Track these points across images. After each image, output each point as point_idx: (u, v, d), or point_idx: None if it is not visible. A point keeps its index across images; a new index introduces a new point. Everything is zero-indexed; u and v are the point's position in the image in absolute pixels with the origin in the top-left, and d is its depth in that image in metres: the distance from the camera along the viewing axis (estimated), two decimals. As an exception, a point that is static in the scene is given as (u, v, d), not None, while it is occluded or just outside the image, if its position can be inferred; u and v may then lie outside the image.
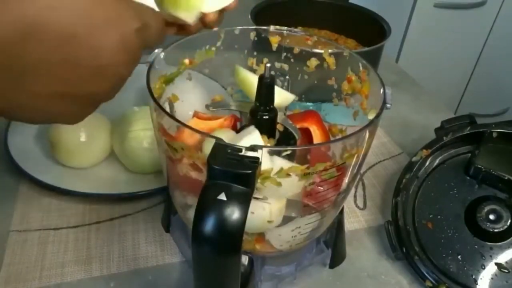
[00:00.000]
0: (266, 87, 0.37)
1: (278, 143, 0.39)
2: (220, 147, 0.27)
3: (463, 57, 1.59)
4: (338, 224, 0.45)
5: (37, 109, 0.26)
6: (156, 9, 0.35)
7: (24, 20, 0.21)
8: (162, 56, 0.38)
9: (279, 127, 0.40)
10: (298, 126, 0.41)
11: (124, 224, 0.50)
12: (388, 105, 0.35)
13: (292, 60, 0.46)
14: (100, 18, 0.24)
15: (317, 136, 0.41)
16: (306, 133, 0.42)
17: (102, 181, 0.53)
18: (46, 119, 0.27)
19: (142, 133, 0.52)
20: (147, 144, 0.52)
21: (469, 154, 0.50)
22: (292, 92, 0.46)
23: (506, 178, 0.46)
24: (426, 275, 0.45)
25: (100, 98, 0.27)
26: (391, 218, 0.49)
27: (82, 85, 0.25)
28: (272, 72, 0.36)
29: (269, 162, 0.30)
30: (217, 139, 0.27)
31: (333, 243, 0.46)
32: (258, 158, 0.26)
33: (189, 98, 0.41)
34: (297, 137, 0.41)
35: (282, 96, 0.41)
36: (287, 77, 0.47)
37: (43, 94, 0.24)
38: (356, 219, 0.54)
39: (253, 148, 0.27)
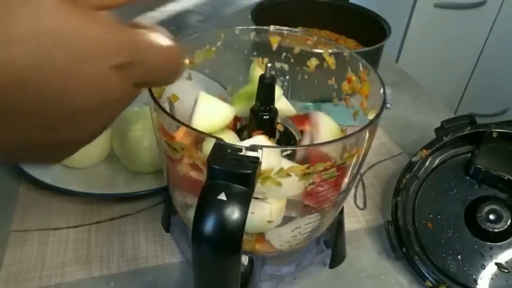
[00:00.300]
0: (266, 87, 0.37)
1: (278, 143, 0.39)
2: (220, 147, 0.27)
3: (463, 57, 1.60)
4: (338, 224, 0.45)
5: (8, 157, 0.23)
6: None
7: None
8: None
9: (279, 127, 0.40)
10: (299, 128, 0.41)
11: (124, 224, 0.50)
12: (388, 105, 0.35)
13: (292, 60, 0.46)
14: (68, 55, 0.19)
15: (315, 135, 0.41)
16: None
17: (102, 181, 0.53)
18: (19, 161, 0.25)
19: (141, 133, 0.52)
20: (147, 143, 0.52)
21: (469, 154, 0.50)
22: (292, 92, 0.46)
23: (506, 178, 0.46)
24: (426, 275, 0.45)
25: (76, 145, 0.24)
26: (391, 218, 0.49)
27: (50, 135, 0.21)
28: (273, 72, 0.36)
29: (276, 162, 0.30)
30: (217, 139, 0.27)
31: (333, 243, 0.46)
32: (258, 158, 0.26)
33: (189, 98, 0.40)
34: (297, 137, 0.41)
35: (283, 107, 0.41)
36: (287, 77, 0.47)
37: (8, 144, 0.21)
38: (356, 219, 0.54)
39: (253, 148, 0.27)
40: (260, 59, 0.44)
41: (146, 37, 0.22)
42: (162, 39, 0.23)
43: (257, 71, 0.41)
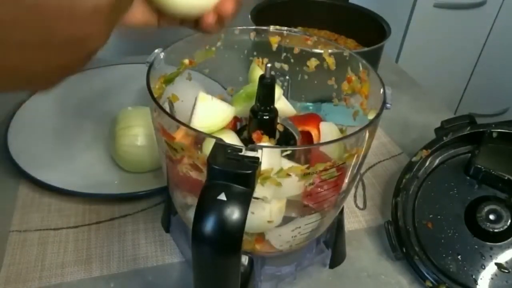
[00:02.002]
0: (266, 87, 0.37)
1: (278, 143, 0.39)
2: (220, 147, 0.27)
3: (463, 57, 1.59)
4: (338, 224, 0.45)
5: (29, 66, 0.24)
6: None
7: None
8: (162, 56, 0.38)
9: (279, 127, 0.40)
10: (299, 129, 0.41)
11: (124, 224, 0.50)
12: (388, 105, 0.35)
13: (292, 60, 0.46)
14: None
15: (317, 139, 0.41)
16: (306, 135, 0.42)
17: (102, 181, 0.53)
18: (42, 76, 0.25)
19: (134, 131, 0.52)
20: (140, 142, 0.52)
21: (469, 154, 0.50)
22: (292, 92, 0.46)
23: (506, 178, 0.46)
24: (426, 275, 0.45)
25: (87, 43, 0.25)
26: (391, 218, 0.49)
27: (61, 27, 0.23)
28: (272, 72, 0.36)
29: (276, 162, 0.30)
30: (217, 139, 0.27)
31: (333, 243, 0.46)
32: (258, 158, 0.26)
33: (189, 98, 0.41)
34: (297, 137, 0.41)
35: (283, 107, 0.41)
36: (287, 77, 0.47)
37: (26, 48, 0.23)
38: (356, 219, 0.54)
39: (253, 148, 0.27)
40: (260, 60, 0.44)
41: None
42: None
43: (257, 72, 0.41)
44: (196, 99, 0.38)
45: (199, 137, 0.32)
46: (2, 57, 0.23)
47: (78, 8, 0.22)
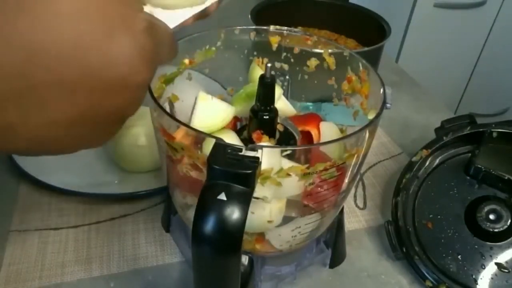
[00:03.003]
0: (266, 87, 0.37)
1: (278, 143, 0.39)
2: (220, 147, 0.27)
3: (463, 57, 1.60)
4: (338, 224, 0.45)
5: (60, 140, 0.23)
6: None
7: (28, 44, 0.19)
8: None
9: (279, 127, 0.40)
10: (299, 129, 0.41)
11: (124, 224, 0.50)
12: (388, 105, 0.35)
13: (292, 60, 0.46)
14: (106, 19, 0.21)
15: (317, 139, 0.41)
16: (306, 134, 0.42)
17: (102, 181, 0.53)
18: (72, 148, 0.25)
19: (134, 131, 0.52)
20: (140, 142, 0.52)
21: (469, 154, 0.50)
22: (292, 92, 0.46)
23: (506, 178, 0.46)
24: (426, 275, 0.45)
25: (124, 113, 0.25)
26: (391, 218, 0.49)
27: (101, 102, 0.23)
28: (272, 72, 0.36)
29: (276, 162, 0.30)
30: (217, 139, 0.27)
31: (333, 243, 0.46)
32: (258, 158, 0.26)
33: (189, 98, 0.40)
34: (297, 137, 0.41)
35: (283, 107, 0.41)
36: (287, 77, 0.47)
37: (60, 121, 0.22)
38: (356, 219, 0.54)
39: (253, 148, 0.27)
40: (260, 59, 0.44)
41: (154, 18, 0.26)
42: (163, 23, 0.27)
43: (257, 71, 0.41)
44: (196, 98, 0.38)
45: (199, 137, 0.32)
46: (31, 131, 0.22)
47: (127, 83, 0.23)
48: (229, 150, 0.26)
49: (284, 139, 0.40)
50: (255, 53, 0.45)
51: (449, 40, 1.51)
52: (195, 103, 0.38)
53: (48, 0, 0.20)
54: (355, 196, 0.57)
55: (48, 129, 0.22)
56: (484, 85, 1.67)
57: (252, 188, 0.26)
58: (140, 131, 0.52)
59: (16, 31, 0.19)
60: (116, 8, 0.22)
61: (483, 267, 0.44)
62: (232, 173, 0.26)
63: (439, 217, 0.47)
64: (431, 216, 0.48)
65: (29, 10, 0.20)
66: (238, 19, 0.41)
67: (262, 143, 0.36)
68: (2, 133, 0.21)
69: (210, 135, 0.29)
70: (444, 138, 0.51)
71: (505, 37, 1.56)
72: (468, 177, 0.49)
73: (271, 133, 0.38)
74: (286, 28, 0.44)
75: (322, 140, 0.40)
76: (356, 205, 0.56)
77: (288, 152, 0.33)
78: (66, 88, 0.21)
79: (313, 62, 0.44)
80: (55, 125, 0.22)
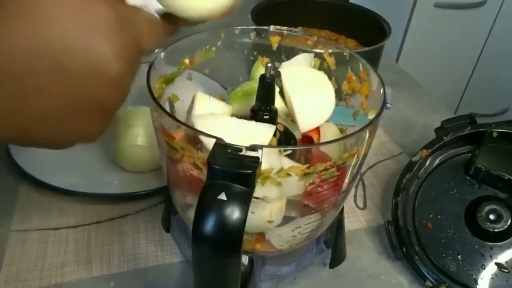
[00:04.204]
0: (266, 87, 0.37)
1: (278, 143, 0.39)
2: (220, 147, 0.27)
3: (463, 57, 1.59)
4: (338, 224, 0.45)
5: (48, 132, 0.25)
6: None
7: (31, 42, 0.22)
8: (162, 56, 0.38)
9: (280, 127, 0.40)
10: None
11: (124, 224, 0.50)
12: (388, 105, 0.35)
13: (292, 60, 0.46)
14: (72, 19, 0.23)
15: (317, 139, 0.41)
16: (306, 135, 0.42)
17: (102, 181, 0.53)
18: (63, 141, 0.27)
19: (135, 131, 0.52)
20: (140, 142, 0.52)
21: (469, 154, 0.50)
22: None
23: (506, 178, 0.46)
24: (426, 275, 0.45)
25: (106, 105, 0.27)
26: (391, 218, 0.49)
27: (77, 93, 0.25)
28: (273, 72, 0.36)
29: (276, 161, 0.30)
30: (217, 139, 0.27)
31: (333, 243, 0.46)
32: (258, 158, 0.26)
33: (189, 98, 0.41)
34: (297, 137, 0.41)
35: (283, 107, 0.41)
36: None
37: (50, 114, 0.24)
38: (356, 219, 0.54)
39: (253, 148, 0.27)
40: (263, 59, 0.45)
41: (137, 12, 0.27)
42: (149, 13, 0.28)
43: (260, 71, 0.41)
44: (193, 98, 0.38)
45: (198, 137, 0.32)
46: (24, 121, 0.24)
47: (102, 75, 0.24)
48: (229, 150, 0.26)
49: (284, 139, 0.40)
50: (255, 53, 0.45)
51: (449, 40, 1.51)
52: (192, 102, 0.38)
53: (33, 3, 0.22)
54: (355, 196, 0.57)
55: (30, 120, 0.24)
56: (484, 85, 1.67)
57: (252, 188, 0.26)
58: (140, 131, 0.52)
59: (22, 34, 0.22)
60: (85, 4, 0.24)
61: (483, 267, 0.44)
62: (232, 173, 0.26)
63: (439, 217, 0.47)
64: (431, 216, 0.48)
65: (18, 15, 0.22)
66: (238, 19, 0.41)
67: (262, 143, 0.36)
68: None
69: (210, 135, 0.29)
70: (444, 138, 0.51)
71: (505, 37, 1.56)
72: (468, 177, 0.49)
73: (271, 133, 0.38)
74: (286, 28, 0.44)
75: (322, 140, 0.40)
76: (356, 205, 0.56)
77: (288, 152, 0.33)
78: (40, 81, 0.23)
79: (313, 62, 0.44)
80: (43, 118, 0.24)
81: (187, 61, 0.41)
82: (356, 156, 0.34)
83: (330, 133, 0.41)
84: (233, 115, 0.41)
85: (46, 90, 0.23)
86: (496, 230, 0.45)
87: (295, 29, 0.45)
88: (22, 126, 0.24)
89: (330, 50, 0.43)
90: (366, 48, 0.69)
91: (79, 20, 0.24)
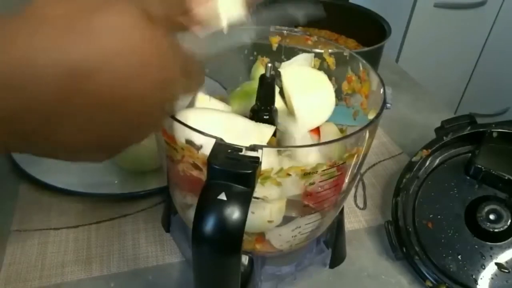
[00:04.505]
0: (266, 87, 0.37)
1: (278, 143, 0.39)
2: (220, 147, 0.27)
3: (463, 57, 1.59)
4: (338, 224, 0.45)
5: (64, 155, 0.25)
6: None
7: (79, 63, 0.21)
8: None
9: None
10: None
11: (124, 224, 0.50)
12: (388, 105, 0.35)
13: (292, 60, 0.46)
14: (145, 63, 0.23)
15: (317, 139, 0.41)
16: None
17: (102, 181, 0.53)
18: (75, 160, 0.26)
19: None
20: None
21: (469, 154, 0.50)
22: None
23: (506, 178, 0.46)
24: (426, 275, 0.45)
25: (131, 143, 0.27)
26: (391, 218, 0.49)
27: (116, 135, 0.24)
28: (273, 72, 0.36)
29: (276, 161, 0.30)
30: (217, 139, 0.27)
31: (333, 243, 0.46)
32: (258, 158, 0.26)
33: (189, 98, 0.40)
34: (297, 137, 0.41)
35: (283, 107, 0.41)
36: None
37: (76, 145, 0.23)
38: (356, 219, 0.54)
39: (253, 148, 0.27)
40: (263, 59, 0.45)
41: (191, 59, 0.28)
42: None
43: (260, 71, 0.41)
44: (192, 98, 0.38)
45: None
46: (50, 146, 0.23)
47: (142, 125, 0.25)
48: (229, 150, 0.26)
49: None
50: (255, 53, 0.45)
51: (449, 40, 1.51)
52: (191, 102, 0.38)
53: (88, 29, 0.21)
54: (355, 196, 0.57)
55: (59, 148, 0.24)
56: (484, 85, 1.66)
57: (252, 188, 0.26)
58: None
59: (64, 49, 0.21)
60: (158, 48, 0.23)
61: (483, 267, 0.44)
62: (232, 173, 0.26)
63: (439, 217, 0.47)
64: (431, 216, 0.48)
65: (75, 32, 0.21)
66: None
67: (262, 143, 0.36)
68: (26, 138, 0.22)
69: (210, 135, 0.29)
70: (444, 138, 0.51)
71: (505, 37, 1.56)
72: (468, 177, 0.49)
73: (271, 133, 0.38)
74: (286, 28, 0.44)
75: (322, 140, 0.40)
76: (356, 205, 0.56)
77: (288, 152, 0.33)
78: (86, 119, 0.22)
79: (313, 62, 0.44)
80: (67, 147, 0.24)
81: (187, 61, 0.41)
82: (356, 156, 0.34)
83: (330, 133, 0.41)
84: None
85: (85, 124, 0.22)
86: (496, 230, 0.45)
87: (295, 29, 0.45)
88: (48, 152, 0.24)
89: (330, 50, 0.43)
90: (366, 48, 0.69)
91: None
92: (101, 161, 0.27)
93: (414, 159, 0.51)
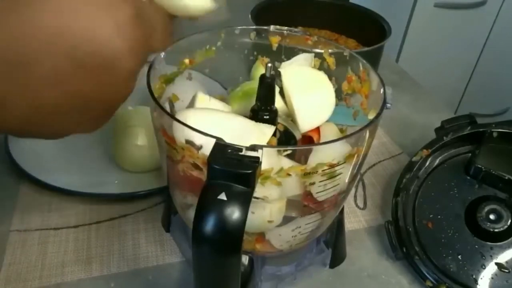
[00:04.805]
0: (266, 87, 0.37)
1: (278, 143, 0.39)
2: (220, 147, 0.27)
3: (463, 57, 1.60)
4: (338, 224, 0.45)
5: (51, 124, 0.25)
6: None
7: (43, 30, 0.22)
8: (162, 56, 0.38)
9: (280, 127, 0.40)
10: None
11: (124, 224, 0.50)
12: (388, 105, 0.35)
13: (292, 60, 0.46)
14: (91, 9, 0.23)
15: (317, 139, 0.41)
16: (306, 135, 0.42)
17: (102, 181, 0.53)
18: (60, 132, 0.27)
19: (135, 131, 0.52)
20: (140, 142, 0.52)
21: (469, 154, 0.50)
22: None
23: (506, 178, 0.46)
24: (426, 275, 0.45)
25: (112, 100, 0.27)
26: (391, 218, 0.49)
27: (87, 88, 0.25)
28: (273, 72, 0.36)
29: (276, 161, 0.30)
30: (217, 139, 0.27)
31: (333, 243, 0.46)
32: (258, 158, 0.26)
33: (189, 98, 0.41)
34: (297, 137, 0.41)
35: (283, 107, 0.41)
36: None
37: (49, 104, 0.24)
38: (356, 219, 0.54)
39: (253, 148, 0.27)
40: (263, 59, 0.45)
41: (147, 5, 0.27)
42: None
43: (260, 71, 0.41)
44: (193, 99, 0.38)
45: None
46: (31, 112, 0.24)
47: (114, 68, 0.25)
48: (229, 150, 0.26)
49: (285, 139, 0.40)
50: (255, 53, 0.45)
51: (449, 40, 1.51)
52: (191, 102, 0.38)
53: None
54: (355, 196, 0.57)
55: (37, 110, 0.24)
56: (484, 85, 1.67)
57: (252, 188, 0.26)
58: (140, 131, 0.52)
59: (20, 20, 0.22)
60: None
61: (483, 267, 0.44)
62: (232, 173, 0.26)
63: (439, 217, 0.47)
64: (431, 216, 0.48)
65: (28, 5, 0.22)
66: (238, 19, 0.41)
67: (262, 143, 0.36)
68: None
69: (210, 135, 0.29)
70: (444, 138, 0.51)
71: (505, 37, 1.56)
72: (468, 177, 0.49)
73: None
74: (286, 28, 0.44)
75: (322, 140, 0.40)
76: (356, 205, 0.56)
77: (289, 152, 0.33)
78: (52, 70, 0.23)
79: (313, 62, 0.44)
80: (43, 107, 0.24)
81: (187, 61, 0.41)
82: (356, 156, 0.34)
83: (330, 133, 0.41)
84: None
85: (56, 79, 0.23)
86: (496, 230, 0.45)
87: (295, 29, 0.45)
88: (28, 117, 0.24)
89: (330, 50, 0.43)
90: (366, 48, 0.69)
91: (97, 9, 0.23)
92: (89, 131, 0.28)
93: (414, 159, 0.51)
